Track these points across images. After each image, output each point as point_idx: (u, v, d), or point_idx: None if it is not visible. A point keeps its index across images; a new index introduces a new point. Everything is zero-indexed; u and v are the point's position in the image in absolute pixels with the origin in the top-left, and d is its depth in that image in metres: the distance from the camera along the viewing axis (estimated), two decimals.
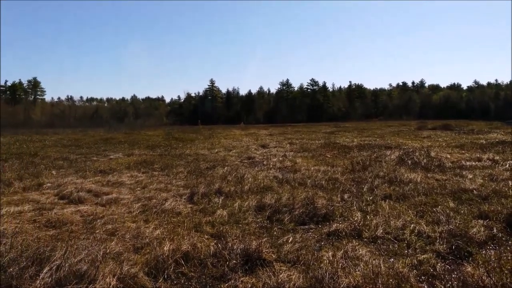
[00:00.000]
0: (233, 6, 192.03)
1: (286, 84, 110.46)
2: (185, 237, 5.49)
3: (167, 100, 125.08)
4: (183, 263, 4.69)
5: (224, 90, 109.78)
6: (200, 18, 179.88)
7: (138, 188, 9.81)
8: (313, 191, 8.55)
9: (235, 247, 5.07)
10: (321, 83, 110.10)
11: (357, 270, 4.36)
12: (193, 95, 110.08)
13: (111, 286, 4.01)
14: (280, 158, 15.44)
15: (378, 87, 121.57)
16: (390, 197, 8.01)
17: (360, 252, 4.91)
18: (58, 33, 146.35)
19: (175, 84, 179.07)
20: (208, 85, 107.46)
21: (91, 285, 4.03)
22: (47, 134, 36.72)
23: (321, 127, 49.58)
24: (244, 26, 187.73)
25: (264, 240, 5.37)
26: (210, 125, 62.83)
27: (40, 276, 4.18)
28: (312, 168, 12.24)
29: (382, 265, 4.42)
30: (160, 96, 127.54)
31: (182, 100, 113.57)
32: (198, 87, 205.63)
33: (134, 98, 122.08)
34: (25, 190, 9.71)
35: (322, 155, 16.36)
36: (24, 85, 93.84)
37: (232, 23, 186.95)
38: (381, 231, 5.77)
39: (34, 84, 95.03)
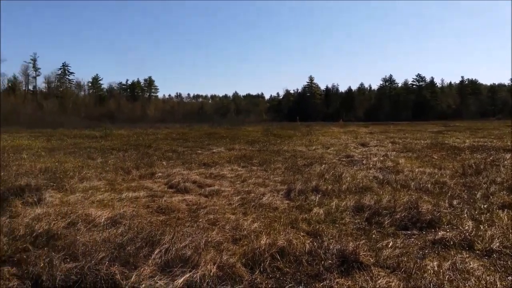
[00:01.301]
0: (331, 3, 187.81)
1: (388, 80, 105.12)
2: (281, 233, 5.57)
3: (267, 97, 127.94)
4: (278, 258, 4.77)
5: (323, 87, 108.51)
6: (297, 16, 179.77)
7: (238, 182, 10.23)
8: (417, 195, 8.00)
9: (331, 247, 5.00)
10: (428, 79, 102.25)
11: (467, 285, 3.97)
12: (292, 92, 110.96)
13: (211, 273, 4.26)
14: (381, 158, 14.75)
15: (497, 83, 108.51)
16: (510, 207, 7.11)
17: (471, 265, 4.46)
18: (169, 36, 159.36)
19: (275, 81, 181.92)
20: (307, 82, 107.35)
21: (194, 269, 4.33)
22: (159, 128, 40.34)
23: (427, 125, 46.09)
24: (344, 22, 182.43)
25: (361, 242, 5.20)
26: (308, 122, 62.58)
27: (152, 257, 4.63)
28: (417, 170, 11.45)
29: (498, 282, 3.97)
30: (260, 93, 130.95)
31: (281, 97, 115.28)
32: (297, 84, 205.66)
33: (235, 95, 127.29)
34: (141, 178, 10.82)
35: (428, 156, 15.21)
36: (141, 83, 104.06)
37: (330, 19, 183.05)
38: (497, 244, 5.16)
39: (149, 83, 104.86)
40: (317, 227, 6.03)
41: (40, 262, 4.60)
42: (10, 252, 5.05)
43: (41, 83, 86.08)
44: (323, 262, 4.64)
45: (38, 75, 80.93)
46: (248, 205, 7.56)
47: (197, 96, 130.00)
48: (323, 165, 12.60)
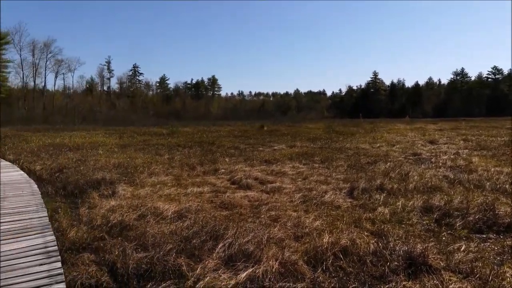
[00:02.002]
0: None
1: (460, 74, 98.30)
2: (344, 231, 5.46)
3: (328, 93, 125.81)
4: (341, 257, 4.69)
5: (387, 82, 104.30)
6: (360, 11, 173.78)
7: (299, 179, 10.19)
8: (494, 196, 7.42)
9: (397, 248, 4.81)
10: (506, 71, 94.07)
11: None
12: (354, 88, 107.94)
13: (273, 269, 4.29)
14: (452, 156, 13.88)
15: None
16: None
17: None
18: (233, 36, 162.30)
19: (337, 77, 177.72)
20: (371, 77, 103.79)
21: (256, 265, 4.39)
22: (222, 126, 41.36)
23: (505, 122, 42.48)
24: (412, 16, 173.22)
25: (430, 244, 4.94)
26: (372, 119, 60.60)
27: (216, 250, 4.78)
28: (493, 169, 10.62)
29: None
30: (321, 90, 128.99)
31: (343, 94, 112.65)
32: (360, 80, 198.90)
33: (296, 92, 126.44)
34: (205, 173, 11.18)
35: (506, 155, 14.03)
36: (205, 82, 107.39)
37: (397, 12, 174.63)
38: None
39: (213, 82, 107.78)
40: (382, 227, 5.83)
41: (115, 250, 4.95)
42: (89, 240, 5.50)
43: (114, 84, 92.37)
44: (388, 263, 4.48)
45: (112, 77, 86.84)
46: (310, 203, 7.51)
47: (258, 94, 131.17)
48: (388, 163, 12.14)
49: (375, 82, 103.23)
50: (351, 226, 5.86)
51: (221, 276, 4.20)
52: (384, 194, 7.97)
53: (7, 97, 58.80)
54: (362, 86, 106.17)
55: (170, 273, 4.35)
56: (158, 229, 5.64)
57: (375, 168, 11.45)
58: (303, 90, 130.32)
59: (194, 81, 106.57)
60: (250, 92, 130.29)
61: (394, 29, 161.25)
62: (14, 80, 68.80)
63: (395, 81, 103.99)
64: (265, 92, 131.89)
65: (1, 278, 4.20)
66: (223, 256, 4.69)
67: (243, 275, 4.17)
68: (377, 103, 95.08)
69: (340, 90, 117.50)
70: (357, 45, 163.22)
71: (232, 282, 4.07)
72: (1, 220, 6.47)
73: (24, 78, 64.44)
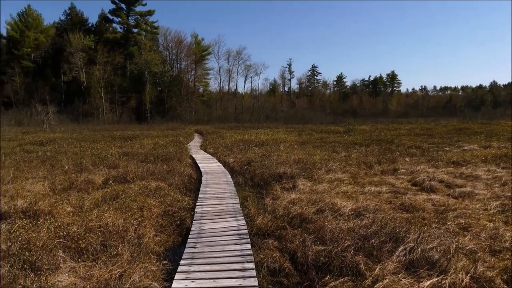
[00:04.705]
0: None
1: None
2: None
3: None
4: None
5: None
6: None
7: (497, 185, 8.83)
8: None
9: None
10: None
11: None
12: None
13: (463, 283, 3.87)
14: None
15: None
16: None
17: None
18: (410, 29, 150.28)
19: None
20: None
21: (442, 275, 4.04)
22: (401, 123, 39.00)
23: None
24: None
25: None
26: None
27: (395, 253, 4.59)
28: None
29: None
30: None
31: None
32: None
33: (493, 84, 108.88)
34: (383, 173, 10.80)
35: None
36: (384, 78, 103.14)
37: None
38: None
39: (392, 77, 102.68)
40: None
41: (295, 240, 5.31)
42: (273, 228, 6.04)
43: (294, 84, 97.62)
44: None
45: (292, 78, 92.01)
46: (511, 213, 6.43)
47: (444, 88, 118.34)
48: None
49: None
50: None
51: (401, 280, 4.02)
52: None
53: (208, 100, 69.16)
54: None
55: (348, 269, 4.41)
56: (335, 224, 5.75)
57: None
58: (502, 81, 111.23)
59: (371, 78, 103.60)
60: (435, 86, 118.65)
61: None
62: (213, 85, 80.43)
63: None
64: (452, 86, 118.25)
65: (205, 251, 5.02)
66: (403, 260, 4.47)
67: (426, 283, 3.90)
68: None
69: None
70: None
71: None
72: (205, 203, 7.71)
73: (221, 82, 74.48)
